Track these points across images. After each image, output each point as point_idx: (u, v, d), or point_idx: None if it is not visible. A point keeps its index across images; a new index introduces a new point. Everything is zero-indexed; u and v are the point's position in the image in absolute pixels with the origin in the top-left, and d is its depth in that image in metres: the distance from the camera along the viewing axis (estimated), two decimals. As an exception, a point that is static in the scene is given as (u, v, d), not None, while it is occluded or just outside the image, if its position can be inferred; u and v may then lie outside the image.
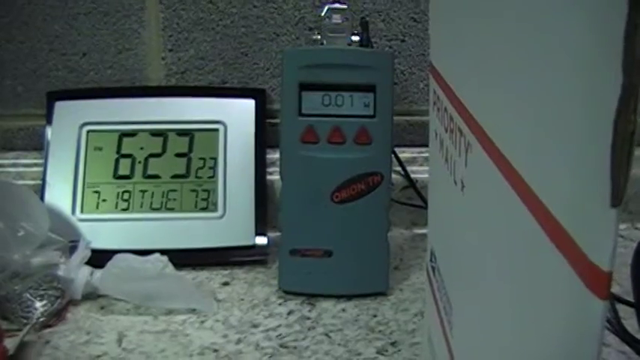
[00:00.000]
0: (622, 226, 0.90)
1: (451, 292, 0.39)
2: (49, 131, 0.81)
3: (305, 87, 0.70)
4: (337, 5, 0.72)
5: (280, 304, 0.70)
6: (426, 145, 0.86)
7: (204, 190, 0.79)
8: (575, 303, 0.20)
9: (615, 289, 0.70)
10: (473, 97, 0.33)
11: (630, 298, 0.62)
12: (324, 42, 0.72)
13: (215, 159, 0.80)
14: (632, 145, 0.17)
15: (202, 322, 0.67)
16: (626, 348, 0.63)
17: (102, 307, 0.69)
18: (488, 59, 0.29)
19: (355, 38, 0.72)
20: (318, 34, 0.73)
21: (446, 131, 0.39)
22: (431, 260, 0.47)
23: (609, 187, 0.18)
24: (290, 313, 0.69)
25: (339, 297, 0.71)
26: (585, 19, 0.19)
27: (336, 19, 0.72)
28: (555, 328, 0.22)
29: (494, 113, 0.28)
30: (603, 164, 0.18)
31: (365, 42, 0.74)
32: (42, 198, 0.78)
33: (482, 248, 0.31)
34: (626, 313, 0.67)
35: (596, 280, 0.19)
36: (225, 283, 0.74)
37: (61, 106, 0.82)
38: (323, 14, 0.72)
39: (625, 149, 0.17)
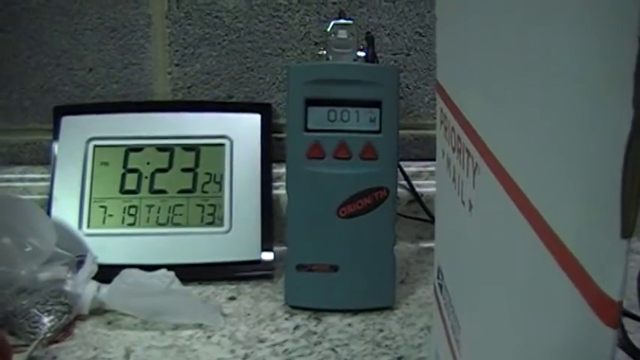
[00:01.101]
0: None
1: (459, 311, 0.39)
2: (55, 146, 0.82)
3: (311, 102, 0.70)
4: (343, 21, 0.73)
5: (287, 319, 0.71)
6: (432, 159, 0.86)
7: (211, 205, 0.80)
8: (585, 331, 0.20)
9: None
10: (480, 118, 0.33)
11: (637, 312, 0.62)
12: (330, 57, 0.72)
13: (221, 174, 0.81)
14: (643, 177, 0.17)
15: (209, 337, 0.67)
16: (633, 363, 0.63)
17: (109, 322, 0.69)
18: (496, 81, 0.29)
19: (361, 54, 0.73)
20: (324, 49, 0.73)
21: (453, 151, 0.39)
22: (438, 277, 0.47)
23: (619, 219, 0.18)
24: (296, 328, 0.69)
25: (345, 312, 0.71)
26: (597, 52, 0.19)
27: (342, 34, 0.72)
28: (564, 355, 0.22)
29: (502, 137, 0.29)
30: (614, 197, 0.18)
31: (370, 57, 0.74)
32: (49, 213, 0.79)
33: (490, 270, 0.31)
34: (633, 327, 0.67)
35: (607, 310, 0.19)
36: (232, 298, 0.74)
37: (67, 121, 0.83)
38: (329, 30, 0.72)
39: (635, 182, 0.17)
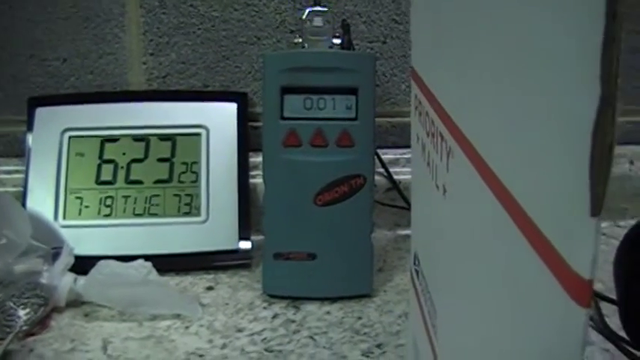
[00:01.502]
0: (604, 224, 0.90)
1: (435, 296, 0.39)
2: (30, 137, 0.81)
3: (286, 90, 0.70)
4: (318, 8, 0.72)
5: (265, 308, 0.70)
6: (409, 147, 0.86)
7: (187, 195, 0.79)
8: (557, 310, 0.20)
9: (598, 286, 0.71)
10: (453, 102, 0.33)
11: (613, 296, 0.62)
12: (306, 45, 0.72)
13: (198, 163, 0.80)
14: (611, 156, 0.17)
15: (187, 327, 0.67)
16: (610, 345, 0.63)
17: (86, 314, 0.69)
18: (469, 65, 0.29)
19: (337, 41, 0.72)
20: (300, 37, 0.73)
21: (427, 135, 0.39)
22: (414, 263, 0.47)
23: (589, 197, 0.18)
24: (275, 316, 0.69)
25: (323, 299, 0.71)
26: (564, 29, 0.19)
27: (317, 22, 0.72)
28: (538, 333, 0.22)
29: (474, 119, 0.29)
30: (582, 174, 0.18)
31: (346, 44, 0.74)
32: (24, 205, 0.78)
33: (464, 253, 0.31)
34: (609, 311, 0.67)
35: (578, 289, 0.19)
36: (210, 288, 0.74)
37: (42, 112, 0.82)
38: (304, 17, 0.72)
39: (604, 160, 0.17)
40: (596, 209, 0.18)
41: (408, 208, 0.83)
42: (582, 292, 0.19)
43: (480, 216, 0.28)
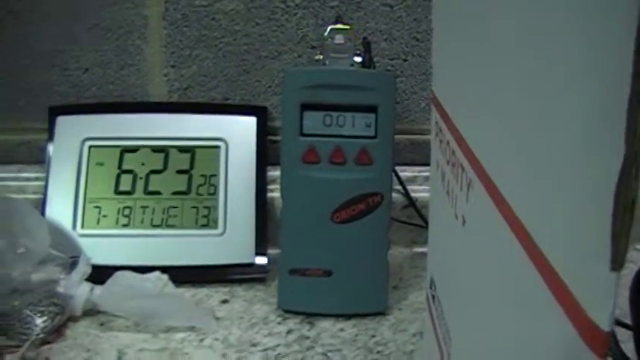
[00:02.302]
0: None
1: (451, 323, 0.39)
2: (50, 146, 0.82)
3: (306, 107, 0.70)
4: (340, 25, 0.73)
5: (279, 323, 0.71)
6: (427, 164, 0.86)
7: (205, 207, 0.80)
8: (572, 356, 0.21)
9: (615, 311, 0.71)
10: (475, 134, 0.33)
11: (628, 321, 0.62)
12: (327, 62, 0.72)
13: (216, 176, 0.81)
14: (633, 212, 0.17)
15: (201, 340, 0.67)
16: (624, 372, 0.63)
17: (101, 324, 0.69)
18: (492, 98, 0.30)
19: (357, 59, 0.72)
20: (321, 53, 0.73)
21: (447, 164, 0.39)
22: (430, 288, 0.47)
23: (609, 252, 0.18)
24: (289, 332, 0.69)
25: (338, 316, 0.72)
26: (591, 85, 0.19)
27: (339, 39, 0.72)
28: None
29: (496, 156, 0.29)
30: (604, 229, 0.18)
31: (367, 62, 0.74)
32: (43, 213, 0.78)
33: (481, 287, 0.31)
34: (624, 336, 0.67)
35: (595, 338, 0.19)
36: (225, 301, 0.74)
37: (63, 121, 0.83)
38: (326, 34, 0.72)
39: (626, 217, 0.17)
40: (617, 264, 0.18)
41: (425, 226, 0.83)
42: (599, 342, 0.19)
43: (498, 253, 0.28)
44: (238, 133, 0.82)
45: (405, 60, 0.86)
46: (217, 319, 0.71)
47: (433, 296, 0.46)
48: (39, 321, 0.66)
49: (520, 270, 0.25)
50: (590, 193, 0.19)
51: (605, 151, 0.18)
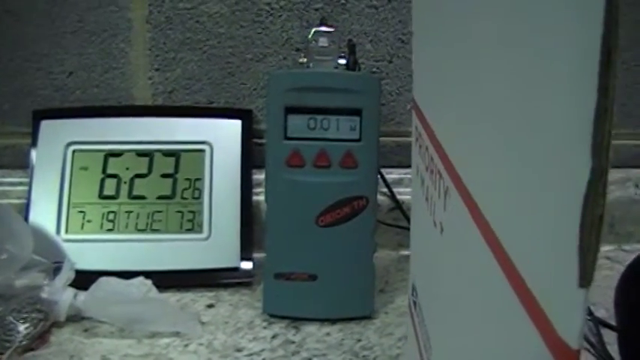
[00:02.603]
0: (609, 247, 0.90)
1: (431, 331, 0.39)
2: (34, 150, 0.81)
3: (291, 110, 0.69)
4: (324, 28, 0.72)
5: (265, 328, 0.70)
6: (413, 167, 0.86)
7: (190, 212, 0.79)
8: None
9: (600, 312, 0.71)
10: (452, 142, 0.33)
11: (614, 322, 0.62)
12: (311, 65, 0.72)
13: (201, 180, 0.80)
14: (600, 227, 0.17)
15: (186, 345, 0.67)
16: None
17: (85, 330, 0.69)
18: (469, 109, 0.29)
19: (342, 61, 0.72)
20: (305, 56, 0.73)
21: (426, 170, 0.39)
22: (412, 294, 0.47)
23: (577, 268, 0.18)
24: (274, 336, 0.69)
25: (323, 321, 0.71)
26: (559, 97, 0.19)
27: (323, 42, 0.72)
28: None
29: (471, 165, 0.28)
30: (571, 244, 0.18)
31: (352, 65, 0.74)
32: (26, 218, 0.78)
33: (458, 296, 0.31)
34: (610, 338, 0.67)
35: (565, 356, 0.19)
36: (210, 306, 0.74)
37: (46, 125, 0.82)
38: (310, 37, 0.72)
39: (593, 231, 0.17)
40: (585, 281, 0.18)
41: (411, 229, 0.83)
42: (568, 359, 0.19)
43: (474, 265, 0.27)
44: (223, 136, 0.82)
45: (391, 62, 0.86)
46: (202, 323, 0.70)
47: (414, 302, 0.45)
48: (22, 327, 0.66)
49: (493, 282, 0.24)
50: (559, 207, 0.19)
51: (574, 165, 0.17)
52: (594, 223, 0.17)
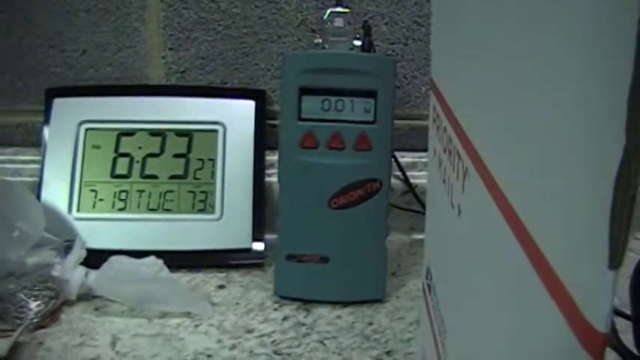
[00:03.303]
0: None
1: (446, 314, 0.38)
2: (47, 128, 0.81)
3: (305, 91, 0.69)
4: (339, 9, 0.72)
5: (275, 310, 0.70)
6: (427, 150, 0.86)
7: (202, 192, 0.79)
8: (567, 355, 0.20)
9: (614, 301, 0.70)
10: (472, 122, 0.32)
11: (629, 311, 0.61)
12: (326, 46, 0.71)
13: (214, 160, 0.80)
14: (632, 208, 0.17)
15: (197, 326, 0.67)
16: (623, 363, 0.62)
17: (96, 309, 0.69)
18: (490, 86, 0.29)
19: (357, 42, 0.71)
20: (320, 37, 0.72)
21: (444, 152, 0.38)
22: (427, 277, 0.46)
23: (607, 250, 0.17)
24: (285, 318, 0.69)
25: (335, 303, 0.71)
26: (593, 73, 0.18)
27: (339, 22, 0.71)
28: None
29: (493, 145, 0.28)
30: (602, 225, 0.17)
31: (367, 46, 0.73)
32: (38, 196, 0.78)
33: (476, 280, 0.30)
34: (624, 327, 0.66)
35: (591, 339, 0.18)
36: (221, 286, 0.74)
37: (59, 103, 0.82)
38: (325, 18, 0.71)
39: (625, 212, 0.17)
40: (615, 263, 0.17)
41: (424, 213, 0.82)
42: (595, 343, 0.18)
43: (494, 247, 0.27)
44: (236, 116, 0.81)
45: (406, 44, 0.85)
46: (213, 304, 0.70)
47: (429, 286, 0.45)
48: (33, 305, 0.66)
49: (515, 265, 0.24)
50: (589, 187, 0.18)
51: (606, 143, 0.17)
52: (626, 203, 0.17)
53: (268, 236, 0.78)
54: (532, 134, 0.23)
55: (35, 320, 0.65)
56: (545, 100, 0.22)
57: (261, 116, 0.82)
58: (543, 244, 0.22)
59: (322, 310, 0.70)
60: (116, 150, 0.80)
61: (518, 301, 0.24)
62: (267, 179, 0.81)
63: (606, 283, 0.17)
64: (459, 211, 0.34)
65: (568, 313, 0.20)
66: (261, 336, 0.66)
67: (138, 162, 0.80)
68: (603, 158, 0.17)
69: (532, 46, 0.23)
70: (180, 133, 0.81)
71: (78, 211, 0.78)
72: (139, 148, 0.80)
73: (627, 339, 0.64)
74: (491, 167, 0.28)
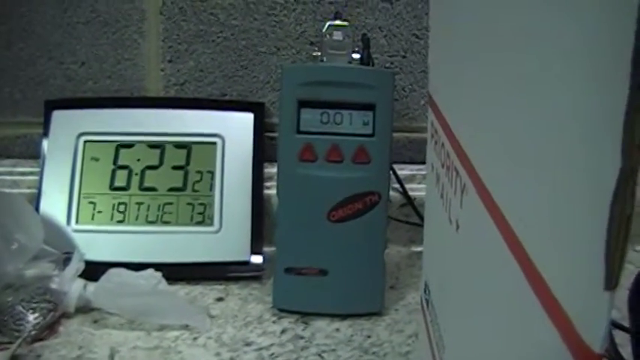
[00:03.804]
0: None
1: (444, 330, 0.38)
2: (45, 140, 0.81)
3: (304, 104, 0.69)
4: (338, 22, 0.72)
5: (274, 322, 0.70)
6: (425, 163, 0.86)
7: (201, 204, 0.79)
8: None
9: (612, 314, 0.70)
10: (470, 138, 0.32)
11: (627, 324, 0.61)
12: (325, 59, 0.71)
13: (212, 172, 0.80)
14: (628, 229, 0.17)
15: (195, 338, 0.66)
16: (622, 376, 0.62)
17: (95, 321, 0.68)
18: (489, 103, 0.29)
19: (356, 56, 0.72)
20: (319, 50, 0.72)
21: (442, 167, 0.38)
22: (425, 292, 0.46)
23: (603, 270, 0.17)
24: (283, 331, 0.68)
25: (333, 316, 0.71)
26: (590, 96, 0.18)
27: (337, 35, 0.71)
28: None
29: (490, 162, 0.28)
30: (598, 245, 0.17)
31: (366, 59, 0.74)
32: (37, 207, 0.78)
33: (474, 296, 0.30)
34: (623, 340, 0.66)
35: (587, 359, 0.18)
36: (220, 299, 0.74)
37: (58, 115, 0.82)
38: (324, 31, 0.71)
39: (621, 233, 0.17)
40: (611, 283, 0.17)
41: (422, 225, 0.82)
42: (592, 363, 0.18)
43: (492, 264, 0.27)
44: (235, 129, 0.81)
45: (405, 57, 0.86)
46: (212, 317, 0.70)
47: (427, 300, 0.45)
48: (31, 317, 0.66)
49: (512, 283, 0.24)
50: (586, 206, 0.18)
51: (603, 163, 0.17)
52: (622, 223, 0.17)
53: (267, 249, 0.78)
54: (529, 152, 0.23)
55: (33, 333, 0.65)
56: (544, 118, 0.22)
57: (260, 129, 0.82)
58: (540, 264, 0.22)
59: (321, 323, 0.70)
60: (115, 162, 0.80)
61: (514, 318, 0.24)
62: (266, 192, 0.81)
63: (602, 304, 0.17)
64: (457, 227, 0.34)
65: (565, 331, 0.20)
66: (260, 349, 0.65)
67: (137, 174, 0.80)
68: (600, 178, 0.17)
69: (530, 63, 0.23)
70: (179, 146, 0.81)
71: (76, 223, 0.78)
72: (138, 160, 0.80)
73: (626, 352, 0.64)
74: (488, 184, 0.28)
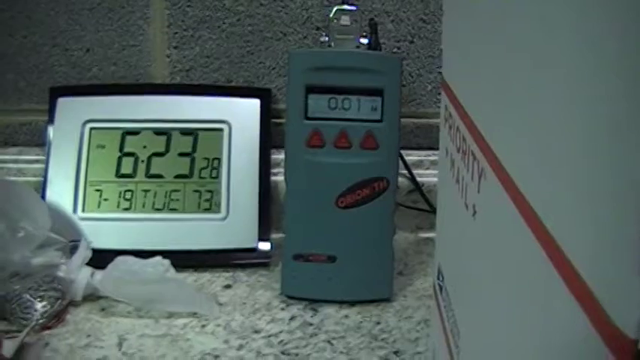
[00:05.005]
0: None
1: (459, 316, 0.38)
2: (51, 128, 0.80)
3: (311, 90, 0.68)
4: (346, 7, 0.71)
5: (282, 309, 0.70)
6: (433, 148, 0.85)
7: (208, 191, 0.78)
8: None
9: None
10: (488, 122, 0.32)
11: None
12: (332, 44, 0.71)
13: (219, 159, 0.79)
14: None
15: (203, 326, 0.66)
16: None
17: (102, 309, 0.68)
18: (506, 84, 0.28)
19: (364, 40, 0.71)
20: (326, 35, 0.71)
21: (458, 151, 0.38)
22: (438, 278, 0.46)
23: (637, 254, 0.17)
24: (292, 318, 0.68)
25: (342, 303, 0.71)
26: (618, 75, 0.18)
27: (345, 20, 0.70)
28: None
29: (511, 146, 0.27)
30: (631, 229, 0.17)
31: (373, 44, 0.73)
32: (43, 195, 0.77)
33: (493, 282, 0.30)
34: None
35: (620, 346, 0.18)
36: (227, 286, 0.73)
37: (63, 103, 0.81)
38: (331, 15, 0.71)
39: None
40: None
41: (431, 211, 0.82)
42: (624, 350, 0.18)
43: (513, 249, 0.27)
44: (242, 115, 0.81)
45: (412, 42, 0.85)
46: (220, 304, 0.70)
47: (440, 286, 0.45)
48: (39, 306, 0.66)
49: (536, 268, 0.23)
50: (616, 188, 0.18)
51: (630, 143, 0.16)
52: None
53: (274, 236, 0.77)
54: (552, 134, 0.22)
55: (41, 321, 0.65)
56: (567, 98, 0.21)
57: (267, 115, 0.82)
58: (567, 248, 0.21)
59: (329, 310, 0.70)
60: (121, 149, 0.80)
61: (538, 305, 0.24)
62: (273, 178, 0.81)
63: (636, 289, 0.17)
64: (474, 212, 0.34)
65: (594, 318, 0.19)
66: (269, 336, 0.65)
67: (143, 161, 0.79)
68: (632, 159, 0.17)
69: (552, 42, 0.23)
70: (185, 132, 0.80)
71: (83, 210, 0.77)
72: (144, 147, 0.80)
73: None
74: (508, 168, 0.27)
